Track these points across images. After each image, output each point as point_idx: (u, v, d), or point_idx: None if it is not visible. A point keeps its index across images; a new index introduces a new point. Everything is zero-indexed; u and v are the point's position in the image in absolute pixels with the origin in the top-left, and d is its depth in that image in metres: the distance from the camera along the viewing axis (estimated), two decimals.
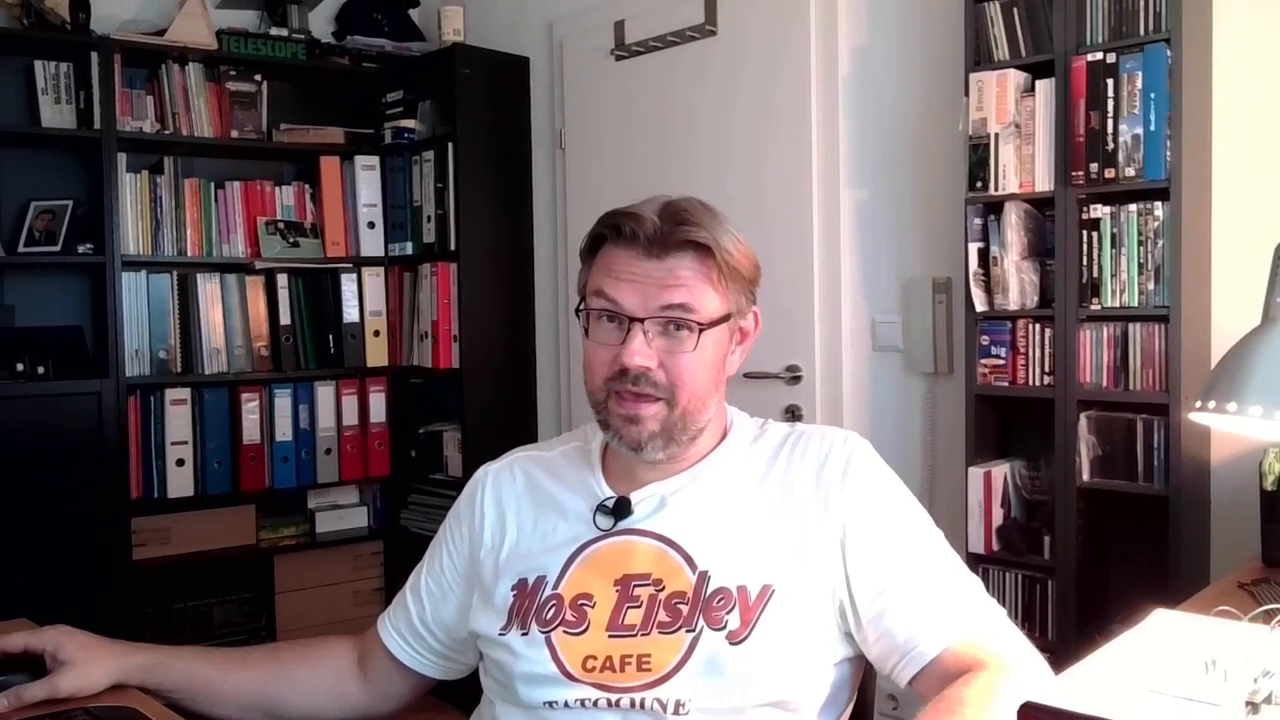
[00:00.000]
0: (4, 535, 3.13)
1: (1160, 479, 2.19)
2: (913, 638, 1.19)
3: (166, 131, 3.54)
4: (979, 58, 2.42)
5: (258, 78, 3.74)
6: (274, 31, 3.76)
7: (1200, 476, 2.27)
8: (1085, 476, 2.29)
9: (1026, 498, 2.49)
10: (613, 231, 1.26)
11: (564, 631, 1.24)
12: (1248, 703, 0.89)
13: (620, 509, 1.30)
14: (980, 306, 2.42)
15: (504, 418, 3.68)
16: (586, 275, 1.30)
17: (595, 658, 1.21)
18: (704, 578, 1.23)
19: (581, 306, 1.28)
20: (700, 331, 1.24)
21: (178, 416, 3.53)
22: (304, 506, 3.89)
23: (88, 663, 1.33)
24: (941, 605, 1.20)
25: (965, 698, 1.08)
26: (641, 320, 1.23)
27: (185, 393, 3.55)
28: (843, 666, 1.26)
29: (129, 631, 3.33)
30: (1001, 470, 2.46)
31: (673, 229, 1.23)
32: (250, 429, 3.64)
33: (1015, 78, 2.35)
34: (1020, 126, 2.35)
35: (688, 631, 1.20)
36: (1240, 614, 1.10)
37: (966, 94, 2.42)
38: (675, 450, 1.28)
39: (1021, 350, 2.38)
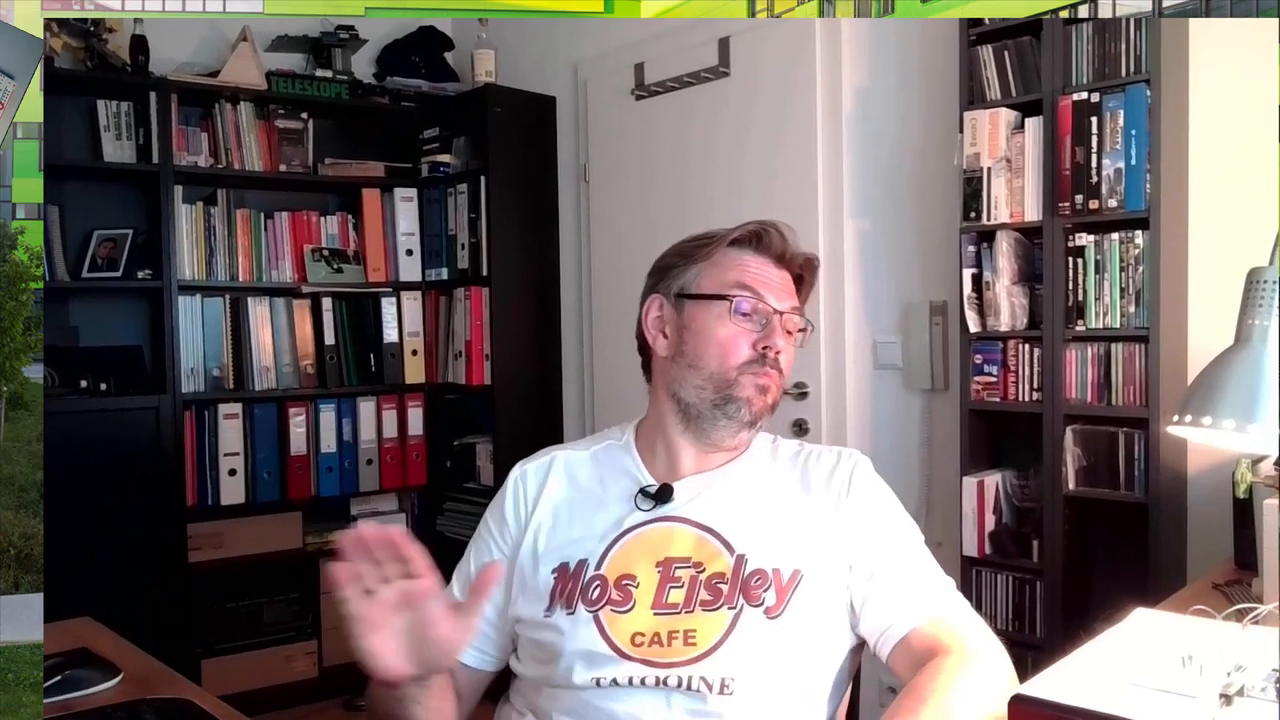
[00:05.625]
0: (70, 539, 3.15)
1: (1140, 488, 2.20)
2: (888, 617, 1.23)
3: (220, 166, 3.58)
4: (972, 97, 2.44)
5: (304, 116, 3.78)
6: (319, 73, 3.81)
7: (1178, 485, 2.28)
8: (1071, 485, 2.30)
9: (1016, 505, 2.49)
10: (754, 239, 1.36)
11: (611, 610, 1.24)
12: (1221, 695, 0.90)
13: (662, 495, 1.32)
14: (974, 328, 2.43)
15: (532, 430, 3.68)
16: (699, 271, 1.36)
17: (643, 634, 1.22)
18: (742, 560, 1.25)
19: (720, 294, 1.33)
20: (810, 331, 1.39)
21: (230, 430, 3.56)
22: (347, 513, 3.90)
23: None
24: (913, 592, 1.25)
25: (930, 688, 1.11)
26: (781, 314, 1.33)
27: (237, 408, 3.58)
28: (850, 656, 1.30)
29: (184, 628, 3.37)
30: (993, 479, 2.47)
31: (796, 250, 1.37)
32: (297, 441, 3.68)
33: (1006, 116, 2.37)
34: (1011, 161, 2.36)
35: (729, 609, 1.22)
36: (1215, 613, 1.12)
37: (961, 131, 2.44)
38: (759, 430, 1.36)
39: (1012, 368, 2.40)
